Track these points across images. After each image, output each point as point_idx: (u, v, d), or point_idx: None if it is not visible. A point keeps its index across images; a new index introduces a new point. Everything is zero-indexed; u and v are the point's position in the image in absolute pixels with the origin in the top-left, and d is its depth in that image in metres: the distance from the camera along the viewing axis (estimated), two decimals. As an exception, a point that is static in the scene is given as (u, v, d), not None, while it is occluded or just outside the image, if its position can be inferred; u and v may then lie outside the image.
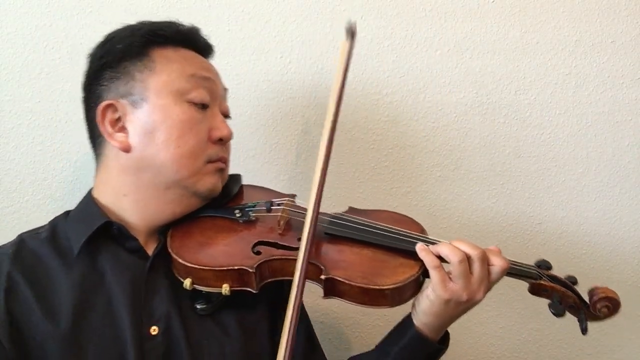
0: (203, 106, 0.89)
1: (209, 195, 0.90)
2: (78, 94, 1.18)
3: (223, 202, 0.93)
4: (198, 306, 0.85)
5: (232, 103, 0.98)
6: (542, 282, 0.87)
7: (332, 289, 0.82)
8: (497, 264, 0.83)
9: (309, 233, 0.80)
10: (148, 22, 0.92)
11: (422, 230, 0.92)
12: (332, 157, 1.23)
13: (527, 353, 1.31)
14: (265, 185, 1.03)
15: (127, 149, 0.86)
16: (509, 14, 1.21)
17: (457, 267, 0.81)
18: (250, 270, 0.81)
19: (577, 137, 1.25)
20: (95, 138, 0.91)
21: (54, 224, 0.92)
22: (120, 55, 0.88)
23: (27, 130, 1.17)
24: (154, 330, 0.81)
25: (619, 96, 1.24)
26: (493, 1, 1.21)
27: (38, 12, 1.15)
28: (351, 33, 0.79)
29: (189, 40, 0.93)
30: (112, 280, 0.83)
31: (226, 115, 0.95)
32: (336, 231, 0.88)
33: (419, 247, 0.83)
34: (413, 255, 0.84)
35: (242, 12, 1.19)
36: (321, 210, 0.89)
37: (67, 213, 0.94)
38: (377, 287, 0.80)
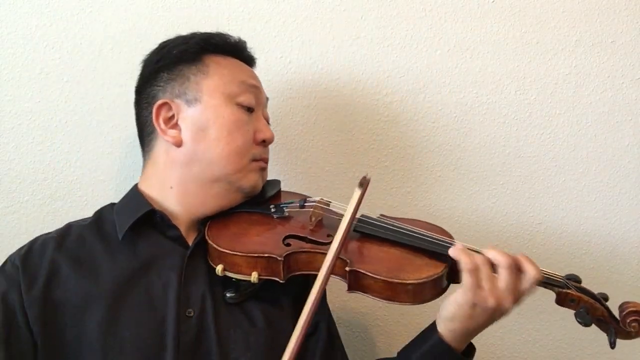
0: (249, 109, 0.97)
1: (251, 191, 0.97)
2: (78, 93, 1.18)
3: (261, 200, 1.00)
4: (227, 294, 0.89)
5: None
6: (569, 291, 0.85)
7: (356, 282, 0.85)
8: (528, 271, 0.82)
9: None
10: (199, 32, 1.01)
11: (450, 236, 0.93)
12: (332, 157, 1.24)
13: (527, 353, 1.31)
14: None
15: (179, 144, 0.93)
16: (509, 14, 1.21)
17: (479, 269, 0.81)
18: (279, 259, 0.85)
19: (577, 137, 1.25)
20: (146, 136, 0.98)
21: (100, 212, 0.98)
22: (175, 59, 0.96)
23: (27, 130, 1.17)
24: (190, 312, 0.86)
25: (619, 96, 1.24)
26: (493, 1, 1.21)
27: (38, 12, 1.15)
28: (363, 186, 0.87)
29: (237, 51, 1.02)
30: (154, 265, 0.89)
31: (267, 119, 1.03)
32: (366, 229, 0.92)
33: (457, 248, 0.84)
34: (439, 257, 0.87)
35: (242, 12, 1.19)
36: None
37: (112, 205, 1.00)
38: (400, 281, 0.82)
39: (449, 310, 0.84)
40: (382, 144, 1.24)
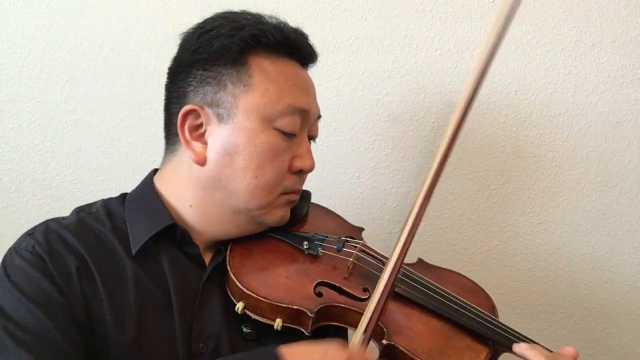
0: (290, 135, 0.82)
1: (276, 225, 0.86)
2: (78, 93, 1.18)
3: (291, 224, 0.89)
4: (244, 329, 0.80)
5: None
6: None
7: (390, 355, 0.76)
8: None
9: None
10: (251, 19, 0.82)
11: (493, 307, 0.88)
12: (332, 158, 1.24)
13: (527, 353, 1.31)
14: None
15: (202, 162, 0.80)
16: (509, 14, 1.21)
17: None
18: (309, 315, 0.76)
19: (577, 137, 1.25)
20: (171, 134, 0.85)
21: (108, 206, 0.85)
22: (215, 55, 0.80)
23: (27, 130, 1.17)
24: (202, 347, 0.77)
25: (619, 96, 1.24)
26: (493, 1, 1.21)
27: (38, 12, 1.15)
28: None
29: (294, 50, 0.85)
30: (171, 284, 0.79)
31: (313, 138, 0.89)
32: (407, 292, 0.82)
33: (523, 347, 0.78)
34: (481, 339, 0.80)
35: (242, 12, 1.19)
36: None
37: (123, 198, 0.88)
38: None
39: None
40: (382, 144, 1.24)
